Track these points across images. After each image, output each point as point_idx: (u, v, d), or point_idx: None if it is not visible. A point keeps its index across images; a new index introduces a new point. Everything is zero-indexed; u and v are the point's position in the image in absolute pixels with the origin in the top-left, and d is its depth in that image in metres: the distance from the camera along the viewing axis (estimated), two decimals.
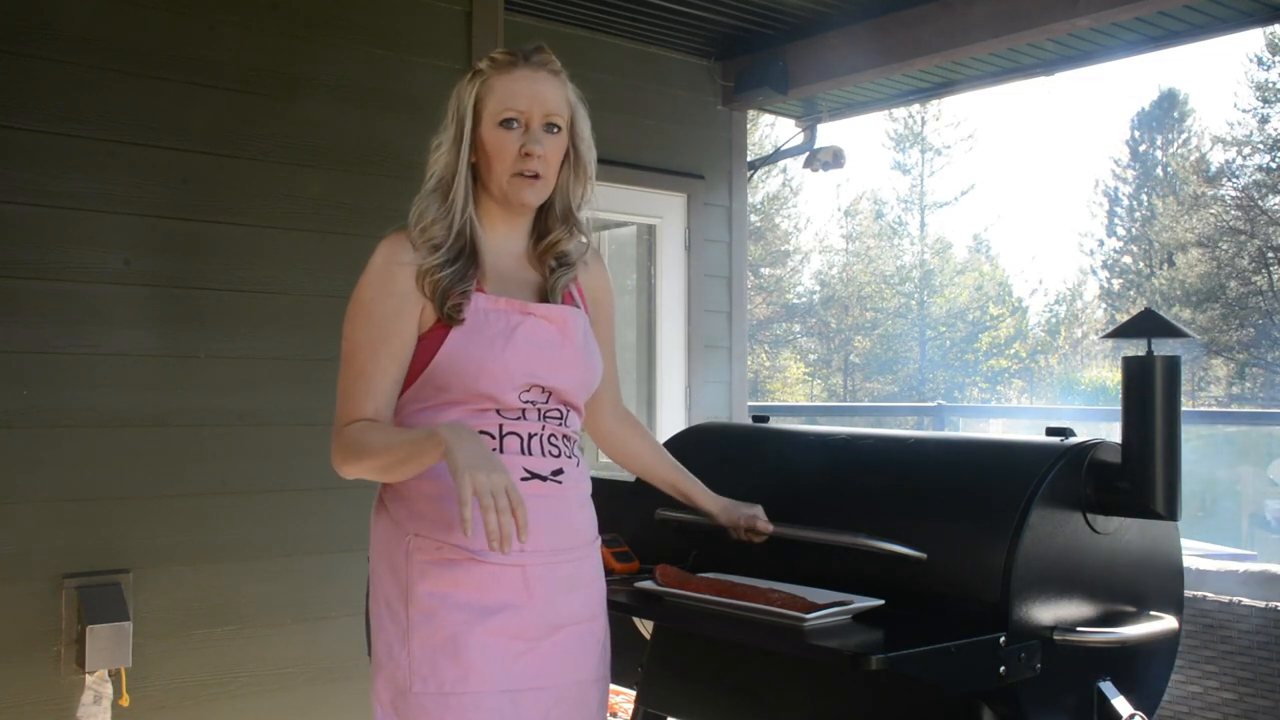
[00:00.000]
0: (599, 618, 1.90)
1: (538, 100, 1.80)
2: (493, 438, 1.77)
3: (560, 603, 1.81)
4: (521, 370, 1.78)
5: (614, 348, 2.09)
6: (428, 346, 1.77)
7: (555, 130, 1.82)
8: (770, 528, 2.11)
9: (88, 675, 3.00)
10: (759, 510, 2.12)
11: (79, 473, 3.10)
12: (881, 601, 1.95)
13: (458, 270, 1.77)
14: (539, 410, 1.81)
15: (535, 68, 1.81)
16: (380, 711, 1.78)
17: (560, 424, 1.84)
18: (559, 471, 1.82)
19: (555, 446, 1.83)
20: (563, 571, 1.82)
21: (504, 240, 1.88)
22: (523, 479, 1.76)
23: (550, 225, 1.91)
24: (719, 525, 2.15)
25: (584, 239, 1.94)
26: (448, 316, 1.75)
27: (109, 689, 3.03)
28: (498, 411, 1.77)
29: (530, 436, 1.80)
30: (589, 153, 1.90)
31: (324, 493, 3.48)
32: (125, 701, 3.06)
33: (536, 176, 1.81)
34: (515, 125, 1.79)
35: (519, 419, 1.79)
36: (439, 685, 1.71)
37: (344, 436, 1.75)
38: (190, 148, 3.29)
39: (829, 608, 1.87)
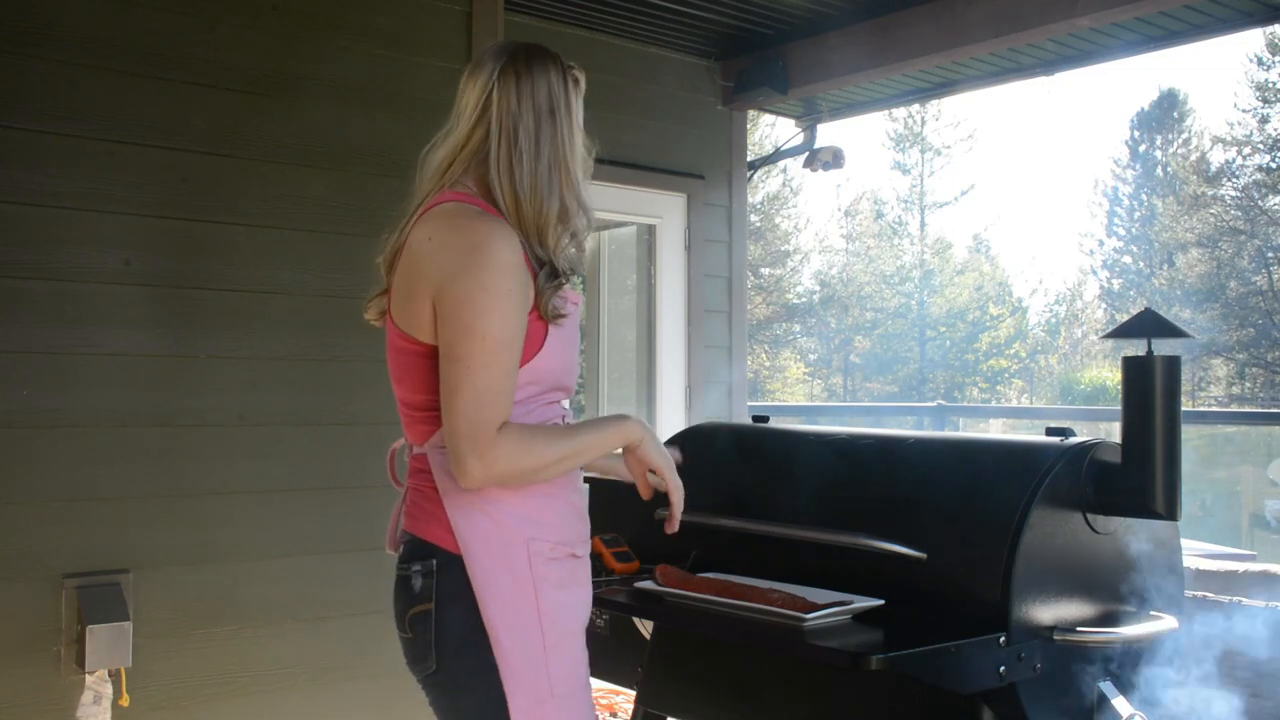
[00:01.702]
0: None
1: None
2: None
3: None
4: (578, 360, 1.85)
5: None
6: (528, 342, 1.73)
7: None
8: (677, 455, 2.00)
9: (88, 675, 3.00)
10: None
11: (79, 473, 3.09)
12: (881, 601, 1.95)
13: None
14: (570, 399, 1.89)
15: None
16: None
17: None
18: None
19: None
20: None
21: None
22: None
23: None
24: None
25: None
26: (553, 316, 1.74)
27: (109, 689, 3.03)
28: (560, 402, 1.82)
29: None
30: None
31: (324, 493, 3.48)
32: (125, 701, 3.06)
33: None
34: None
35: (570, 408, 1.86)
36: (576, 684, 1.75)
37: (508, 440, 1.65)
38: (190, 148, 3.29)
39: (829, 608, 1.87)
